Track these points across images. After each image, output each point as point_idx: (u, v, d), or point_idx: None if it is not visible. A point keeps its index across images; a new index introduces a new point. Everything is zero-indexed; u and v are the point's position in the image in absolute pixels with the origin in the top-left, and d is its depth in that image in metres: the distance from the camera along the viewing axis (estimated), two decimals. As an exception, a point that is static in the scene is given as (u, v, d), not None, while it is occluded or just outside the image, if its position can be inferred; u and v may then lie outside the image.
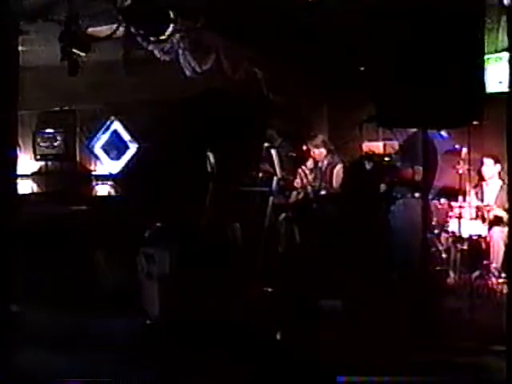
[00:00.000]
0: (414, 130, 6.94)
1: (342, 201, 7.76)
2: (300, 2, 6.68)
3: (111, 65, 8.26)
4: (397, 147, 7.73)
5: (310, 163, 8.16)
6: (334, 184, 8.00)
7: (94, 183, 10.45)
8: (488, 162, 7.67)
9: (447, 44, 4.73)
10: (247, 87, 8.63)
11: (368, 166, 7.63)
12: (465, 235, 7.12)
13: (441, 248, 7.44)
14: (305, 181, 8.05)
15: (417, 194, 7.07)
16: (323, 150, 8.16)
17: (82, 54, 6.55)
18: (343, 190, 7.91)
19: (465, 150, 7.18)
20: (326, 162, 8.15)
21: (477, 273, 7.06)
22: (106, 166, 10.48)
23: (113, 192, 10.32)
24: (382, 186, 7.44)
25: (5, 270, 4.07)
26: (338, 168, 8.06)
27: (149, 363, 5.04)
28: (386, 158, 7.70)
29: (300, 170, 8.12)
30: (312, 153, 8.17)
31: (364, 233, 7.16)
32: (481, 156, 7.72)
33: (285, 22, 7.19)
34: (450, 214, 7.40)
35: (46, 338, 5.63)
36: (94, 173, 10.62)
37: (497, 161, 7.59)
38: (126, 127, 10.27)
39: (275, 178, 7.25)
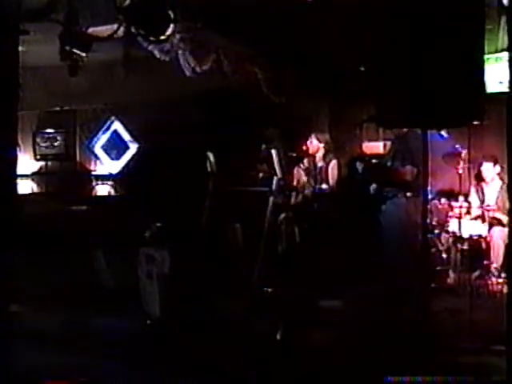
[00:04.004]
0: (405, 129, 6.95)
1: (340, 199, 7.77)
2: (299, 1, 6.69)
3: (111, 65, 8.27)
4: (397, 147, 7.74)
5: (309, 162, 8.17)
6: (330, 181, 8.01)
7: (93, 183, 10.45)
8: (487, 165, 7.66)
9: (447, 44, 4.72)
10: (247, 87, 8.63)
11: (364, 165, 7.64)
12: (465, 235, 7.12)
13: (441, 248, 7.44)
14: (302, 180, 8.06)
15: (409, 194, 7.10)
16: (323, 147, 8.17)
17: (82, 54, 6.55)
18: (340, 187, 7.92)
19: (465, 150, 7.19)
20: (324, 162, 8.16)
21: (477, 273, 7.07)
22: (106, 165, 10.48)
23: (113, 192, 10.33)
24: (375, 186, 7.45)
25: (5, 270, 4.07)
26: (333, 164, 8.07)
27: (149, 363, 5.05)
28: (383, 158, 7.72)
29: (300, 170, 8.12)
30: (311, 144, 8.17)
31: (361, 232, 7.17)
32: (481, 157, 7.72)
33: (285, 21, 7.19)
34: (450, 214, 7.41)
35: (46, 338, 5.63)
36: (93, 173, 10.62)
37: (496, 163, 7.59)
38: (126, 127, 10.27)
39: (275, 178, 7.24)
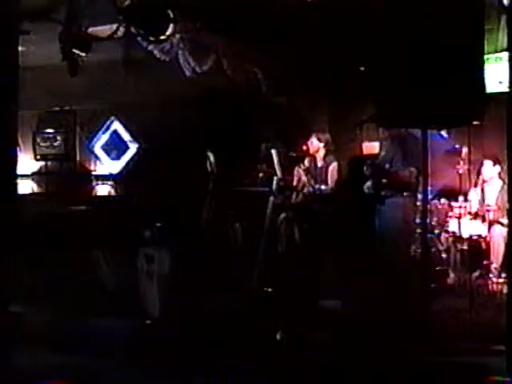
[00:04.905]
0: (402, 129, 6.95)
1: (339, 200, 7.76)
2: (299, 1, 6.69)
3: (111, 65, 8.27)
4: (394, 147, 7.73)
5: (309, 163, 8.15)
6: (330, 182, 7.99)
7: (94, 183, 10.44)
8: (487, 164, 7.66)
9: (447, 44, 4.73)
10: (247, 87, 8.63)
11: (364, 165, 7.63)
12: (465, 235, 7.12)
13: (441, 248, 7.44)
14: (304, 180, 8.04)
15: (407, 193, 7.10)
16: (323, 147, 8.15)
17: (82, 54, 6.56)
18: (339, 189, 7.91)
19: (465, 149, 7.18)
20: (324, 162, 8.14)
21: (477, 273, 7.06)
22: (106, 166, 10.47)
23: (113, 192, 10.32)
24: (369, 184, 7.44)
25: (4, 270, 4.07)
26: (333, 166, 8.06)
27: (149, 363, 5.04)
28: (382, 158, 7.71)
29: (300, 170, 8.10)
30: (312, 144, 8.15)
31: (362, 232, 7.17)
32: (481, 156, 7.71)
33: (285, 21, 7.20)
34: (450, 214, 7.41)
35: (45, 338, 5.63)
36: (94, 173, 10.61)
37: (496, 162, 7.59)
38: (126, 127, 10.27)
39: (275, 178, 7.24)
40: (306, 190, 7.98)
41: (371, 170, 7.46)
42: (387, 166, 7.41)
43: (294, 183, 8.09)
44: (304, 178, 8.04)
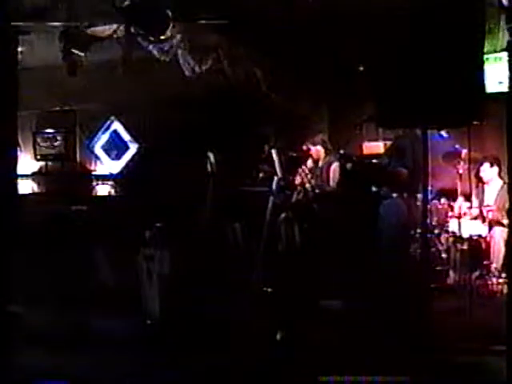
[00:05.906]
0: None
1: (340, 200, 7.76)
2: (300, 1, 6.70)
3: (111, 65, 8.27)
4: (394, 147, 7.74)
5: (309, 163, 8.15)
6: (331, 183, 7.99)
7: (94, 183, 10.45)
8: (485, 166, 7.63)
9: (447, 44, 4.73)
10: (247, 87, 8.64)
11: (364, 165, 7.64)
12: (465, 235, 7.11)
13: (441, 248, 7.44)
14: (304, 180, 8.04)
15: (406, 194, 7.10)
16: (321, 148, 8.15)
17: (82, 54, 6.57)
18: (340, 189, 7.91)
19: (465, 150, 7.18)
20: (324, 162, 8.14)
21: (477, 273, 7.06)
22: (106, 165, 10.48)
23: (113, 192, 10.32)
24: (375, 187, 7.45)
25: (5, 270, 4.07)
26: (334, 166, 8.05)
27: (149, 363, 5.05)
28: (381, 158, 7.72)
29: (300, 170, 8.10)
30: (310, 151, 8.16)
31: (361, 232, 7.18)
32: (480, 157, 7.70)
33: (285, 21, 7.20)
34: (450, 214, 7.41)
35: (45, 338, 5.63)
36: (94, 173, 10.62)
37: (494, 163, 7.56)
38: (125, 127, 10.27)
39: (275, 178, 7.24)
40: (306, 190, 7.98)
41: (371, 170, 7.47)
42: (387, 165, 7.42)
43: (295, 183, 8.09)
44: (304, 178, 8.04)
